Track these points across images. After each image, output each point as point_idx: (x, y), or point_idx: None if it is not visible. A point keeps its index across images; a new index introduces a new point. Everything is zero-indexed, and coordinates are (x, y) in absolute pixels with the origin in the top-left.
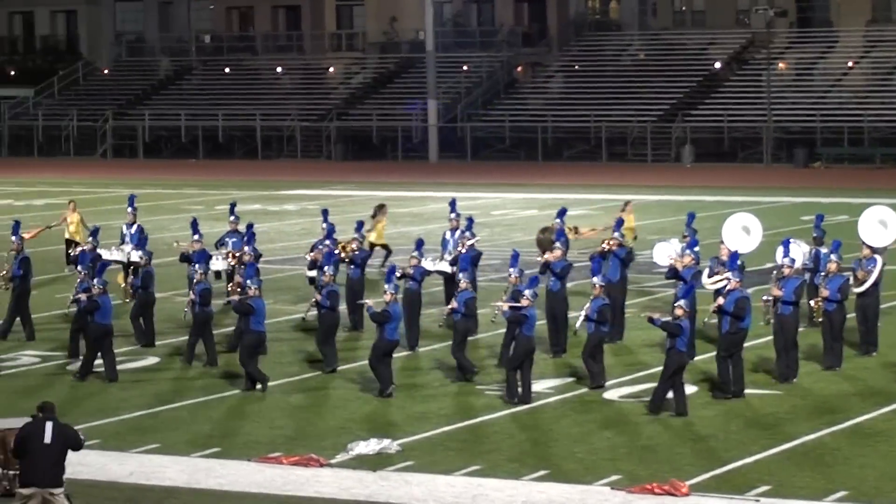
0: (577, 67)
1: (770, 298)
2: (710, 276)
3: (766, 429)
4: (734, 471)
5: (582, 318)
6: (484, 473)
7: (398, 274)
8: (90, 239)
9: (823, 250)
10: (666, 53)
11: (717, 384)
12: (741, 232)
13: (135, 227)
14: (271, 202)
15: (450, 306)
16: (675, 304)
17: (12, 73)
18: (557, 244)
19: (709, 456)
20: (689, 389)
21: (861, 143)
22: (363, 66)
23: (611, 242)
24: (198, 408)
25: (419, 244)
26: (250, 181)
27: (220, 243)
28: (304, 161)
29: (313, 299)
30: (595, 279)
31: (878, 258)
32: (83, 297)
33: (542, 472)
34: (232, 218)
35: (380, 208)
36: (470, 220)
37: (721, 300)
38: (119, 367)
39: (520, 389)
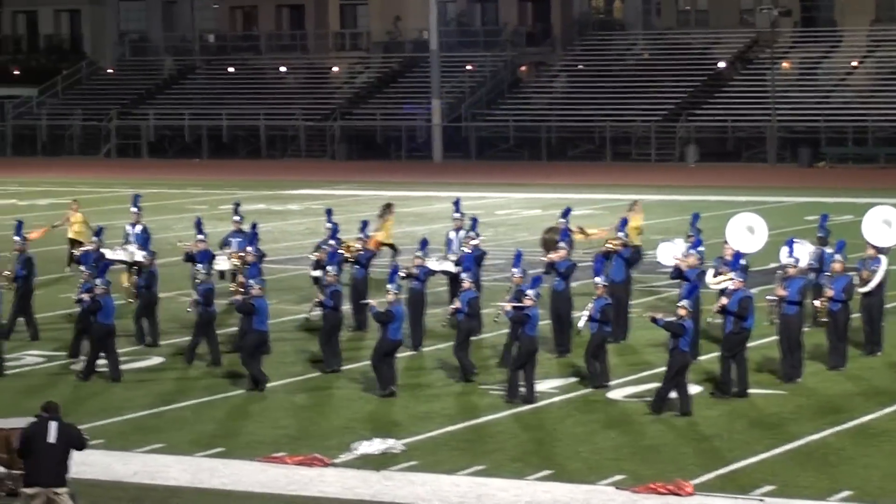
0: (580, 67)
1: (774, 298)
2: (714, 276)
3: (771, 428)
4: (738, 470)
5: (585, 318)
6: (488, 473)
7: (402, 274)
8: (94, 239)
9: (828, 250)
10: (670, 53)
11: (718, 384)
12: (745, 232)
13: (139, 226)
14: (275, 202)
15: (453, 306)
16: (678, 305)
17: (16, 72)
18: (562, 244)
19: (713, 456)
20: (693, 389)
21: (865, 142)
22: (367, 66)
23: (615, 242)
24: (202, 408)
25: (423, 244)
26: (254, 181)
27: (224, 243)
28: (308, 161)
29: (316, 299)
30: (597, 279)
31: (883, 258)
32: (86, 297)
33: (546, 472)
34: (236, 218)
35: (387, 207)
36: (474, 219)
37: (724, 300)
38: (123, 366)
39: (523, 389)
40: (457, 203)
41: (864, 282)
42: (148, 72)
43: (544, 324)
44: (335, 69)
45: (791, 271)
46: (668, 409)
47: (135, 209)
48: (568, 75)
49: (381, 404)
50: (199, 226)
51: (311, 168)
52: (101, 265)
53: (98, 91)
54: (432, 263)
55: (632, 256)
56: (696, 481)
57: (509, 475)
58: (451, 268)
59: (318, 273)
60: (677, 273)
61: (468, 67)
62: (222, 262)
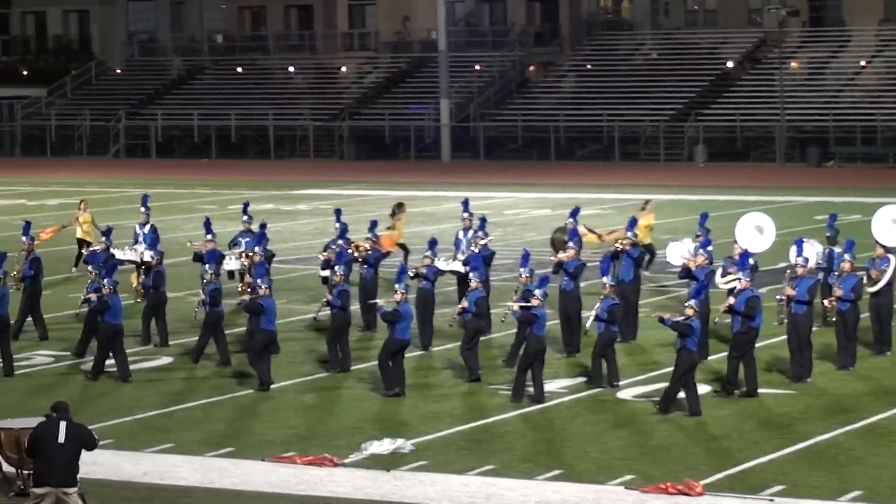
0: (589, 67)
1: (783, 298)
2: (723, 275)
3: (780, 428)
4: (748, 470)
5: (592, 318)
6: (498, 473)
7: (411, 273)
8: (103, 239)
9: (837, 250)
10: (678, 53)
11: (723, 384)
12: (754, 231)
13: (148, 226)
14: (284, 202)
15: (460, 306)
16: (686, 304)
17: (25, 72)
18: (571, 244)
19: (723, 455)
20: (702, 389)
21: (874, 142)
22: (375, 66)
23: (623, 242)
24: (211, 407)
25: (432, 244)
26: (263, 181)
27: (233, 243)
28: (317, 161)
29: (324, 299)
30: (604, 279)
31: (892, 257)
32: (93, 297)
33: (555, 472)
34: (245, 218)
35: (399, 207)
36: (483, 219)
37: (731, 300)
38: (132, 366)
39: (531, 389)
40: (465, 203)
41: (874, 281)
42: (156, 72)
43: (553, 324)
44: (344, 69)
45: (800, 271)
46: (677, 409)
47: (144, 209)
48: (576, 75)
49: (390, 404)
50: (208, 226)
51: (319, 168)
52: (108, 265)
53: (107, 91)
54: (441, 263)
55: (640, 256)
56: (706, 481)
57: (519, 475)
58: (460, 268)
59: (326, 273)
60: (686, 273)
61: (476, 67)
62: (231, 263)
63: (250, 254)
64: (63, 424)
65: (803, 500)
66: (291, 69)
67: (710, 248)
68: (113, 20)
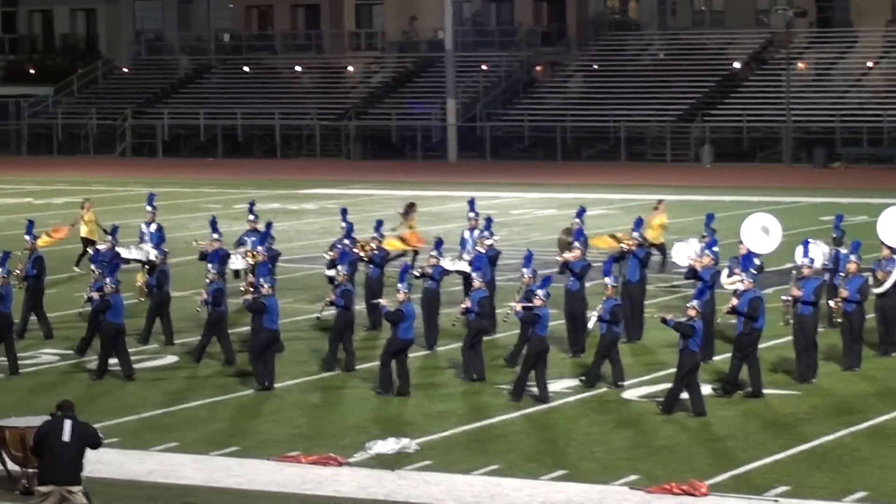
0: (596, 67)
1: (789, 299)
2: (728, 276)
3: (785, 429)
4: (753, 471)
5: (595, 318)
6: (502, 473)
7: (416, 273)
8: (109, 238)
9: (843, 251)
10: (685, 53)
11: (723, 384)
12: (760, 232)
13: (154, 225)
14: (290, 201)
15: (463, 305)
16: (688, 305)
17: (32, 71)
18: (576, 244)
19: (727, 456)
20: (705, 390)
21: (881, 143)
22: (382, 66)
23: (629, 242)
24: (216, 406)
25: (438, 243)
26: (269, 180)
27: (239, 242)
28: (323, 160)
29: (328, 298)
30: (607, 279)
31: None
32: (96, 295)
33: (560, 472)
34: (251, 217)
35: (410, 207)
36: (489, 219)
37: (735, 301)
38: (137, 365)
39: (534, 390)
40: (471, 203)
41: (879, 282)
42: (163, 71)
43: (559, 324)
44: (350, 69)
45: (806, 272)
46: (682, 410)
47: (150, 208)
48: (583, 75)
49: (395, 404)
50: (213, 225)
51: (325, 167)
52: (111, 264)
53: (113, 90)
54: (447, 263)
55: (646, 256)
56: (711, 482)
57: (523, 475)
58: (466, 267)
59: (332, 272)
60: (692, 273)
61: (483, 67)
62: (237, 261)
63: (254, 253)
64: (68, 423)
65: (808, 500)
66: (298, 68)
67: (715, 248)
68: (120, 19)
